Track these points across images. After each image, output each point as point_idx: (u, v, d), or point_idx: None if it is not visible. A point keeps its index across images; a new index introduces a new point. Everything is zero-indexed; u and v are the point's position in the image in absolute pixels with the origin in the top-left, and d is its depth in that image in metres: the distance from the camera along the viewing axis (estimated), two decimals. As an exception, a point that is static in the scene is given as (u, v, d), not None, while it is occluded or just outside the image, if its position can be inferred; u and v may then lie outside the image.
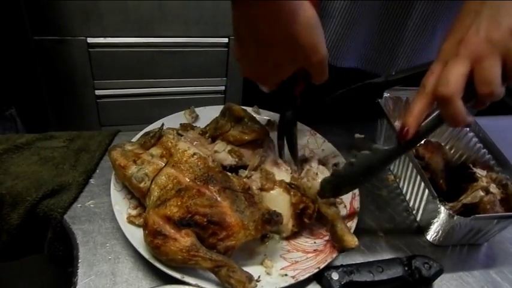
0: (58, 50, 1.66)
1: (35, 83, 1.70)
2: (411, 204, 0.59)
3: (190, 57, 1.82)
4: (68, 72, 1.73)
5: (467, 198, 0.50)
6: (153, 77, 1.83)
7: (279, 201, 0.50)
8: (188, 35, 1.74)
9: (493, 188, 0.52)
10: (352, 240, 0.47)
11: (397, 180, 0.63)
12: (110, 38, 1.68)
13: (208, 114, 0.64)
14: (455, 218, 0.49)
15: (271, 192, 0.51)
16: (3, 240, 0.53)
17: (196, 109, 0.65)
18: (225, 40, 1.82)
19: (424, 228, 0.56)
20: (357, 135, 0.71)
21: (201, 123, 0.62)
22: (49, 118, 1.80)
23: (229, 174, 0.51)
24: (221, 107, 0.62)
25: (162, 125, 0.55)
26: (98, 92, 1.80)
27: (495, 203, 0.50)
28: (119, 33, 1.68)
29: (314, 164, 0.55)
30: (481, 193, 0.50)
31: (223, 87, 1.96)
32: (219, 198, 0.47)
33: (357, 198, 0.55)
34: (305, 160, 0.56)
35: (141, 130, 0.59)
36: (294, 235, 0.51)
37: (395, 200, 0.61)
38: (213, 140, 0.57)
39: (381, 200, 0.60)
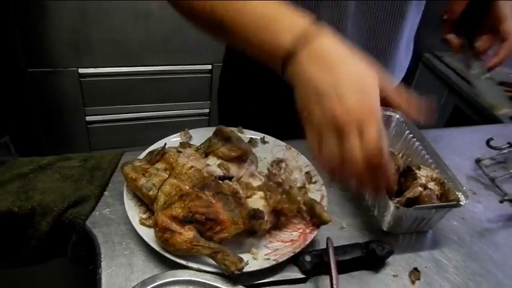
0: (50, 81, 1.77)
1: (28, 111, 1.79)
2: (370, 201, 0.72)
3: (176, 83, 1.95)
4: (59, 100, 1.84)
5: (409, 194, 0.64)
6: (141, 103, 1.94)
7: (258, 202, 0.62)
8: (174, 63, 1.87)
9: (432, 185, 0.66)
10: (328, 216, 0.62)
11: (359, 183, 0.76)
12: (100, 68, 1.80)
13: (199, 134, 0.76)
14: (400, 209, 0.62)
15: (254, 196, 0.63)
16: (33, 245, 0.63)
17: (190, 130, 0.78)
18: (209, 67, 1.95)
19: (380, 220, 0.68)
20: (326, 148, 0.84)
21: (194, 142, 0.75)
22: (41, 144, 1.89)
23: (220, 182, 0.63)
24: (210, 129, 0.75)
25: (165, 144, 0.67)
26: (88, 118, 1.91)
27: (432, 196, 0.64)
28: (109, 64, 1.80)
29: (289, 163, 0.68)
30: (420, 189, 0.63)
31: (207, 110, 2.09)
32: (213, 201, 0.59)
33: (325, 198, 0.68)
34: (281, 160, 0.68)
35: (132, 151, 0.71)
36: (274, 229, 0.63)
37: (358, 199, 0.74)
38: (206, 155, 0.69)
39: (345, 199, 0.73)
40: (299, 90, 0.49)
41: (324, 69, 0.46)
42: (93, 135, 1.94)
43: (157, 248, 0.56)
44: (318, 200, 0.67)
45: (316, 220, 0.63)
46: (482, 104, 1.80)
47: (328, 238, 0.60)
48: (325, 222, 0.62)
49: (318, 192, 0.70)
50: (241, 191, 0.63)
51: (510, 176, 0.84)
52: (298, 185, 0.68)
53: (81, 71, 1.77)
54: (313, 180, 0.72)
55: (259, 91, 0.89)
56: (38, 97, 1.79)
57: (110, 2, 1.64)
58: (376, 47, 0.79)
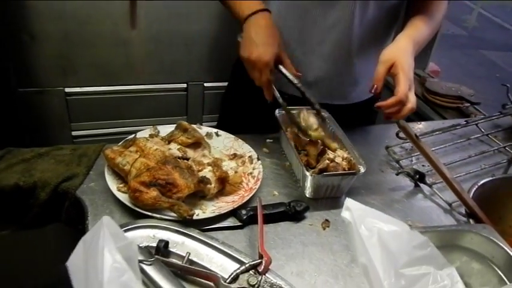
0: (39, 99, 1.94)
1: (18, 128, 1.95)
2: (297, 177, 0.93)
3: (154, 101, 2.13)
4: (47, 117, 2.00)
5: (320, 165, 0.85)
6: (123, 118, 2.12)
7: (207, 174, 0.82)
8: (152, 82, 2.06)
9: (339, 160, 0.88)
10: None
11: (291, 165, 0.97)
12: (84, 88, 1.98)
13: (165, 129, 0.97)
14: (314, 177, 0.84)
15: (204, 170, 0.84)
16: (34, 211, 0.82)
17: (158, 126, 0.98)
18: (184, 85, 2.15)
19: (303, 188, 0.89)
20: (268, 140, 1.05)
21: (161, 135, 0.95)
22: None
23: (178, 159, 0.83)
24: (174, 126, 0.96)
25: (135, 134, 0.88)
26: (74, 133, 2.07)
27: (337, 167, 0.85)
28: (93, 83, 1.98)
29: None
30: (327, 161, 0.85)
31: (183, 124, 2.25)
32: (172, 171, 0.79)
33: (261, 173, 0.89)
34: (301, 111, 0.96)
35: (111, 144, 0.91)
36: (220, 194, 0.84)
37: (289, 176, 0.95)
38: (169, 142, 0.90)
39: (280, 176, 0.94)
40: (243, 37, 0.91)
41: (253, 32, 0.89)
42: (77, 149, 2.09)
43: (130, 205, 0.76)
44: (256, 174, 0.88)
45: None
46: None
47: (258, 197, 0.80)
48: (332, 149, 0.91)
49: (256, 169, 0.90)
50: (194, 166, 0.83)
51: (415, 158, 1.07)
52: (315, 126, 0.93)
53: (68, 90, 1.94)
54: (254, 162, 0.93)
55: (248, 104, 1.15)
56: (28, 114, 1.95)
57: (93, 30, 1.84)
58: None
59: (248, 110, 1.15)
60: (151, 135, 0.92)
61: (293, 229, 0.81)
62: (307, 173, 0.84)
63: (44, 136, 2.04)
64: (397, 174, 0.98)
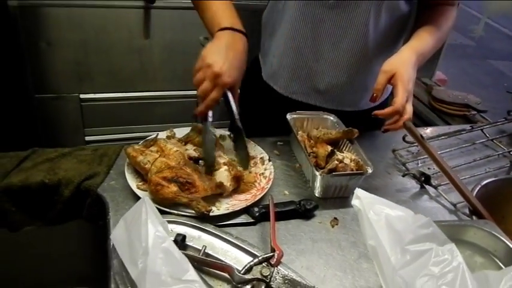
0: (55, 105, 2.00)
1: (34, 131, 2.01)
2: (307, 178, 0.97)
3: (166, 107, 2.19)
4: (62, 122, 2.06)
5: (329, 166, 0.89)
6: (135, 124, 2.18)
7: (223, 173, 0.87)
8: (164, 89, 2.12)
9: (347, 161, 0.91)
10: None
11: (301, 167, 1.01)
12: (99, 94, 2.04)
13: (180, 132, 1.02)
14: (323, 176, 0.87)
15: (220, 169, 0.88)
16: (58, 208, 0.87)
17: (174, 129, 1.03)
18: (195, 92, 2.19)
19: (312, 188, 0.93)
20: (279, 143, 1.09)
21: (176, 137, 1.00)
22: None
23: (196, 164, 0.88)
24: (188, 128, 1.00)
25: (157, 134, 0.93)
26: (87, 138, 2.13)
27: (346, 168, 0.89)
28: (107, 90, 2.04)
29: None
30: (336, 162, 0.89)
31: (194, 130, 2.30)
32: (192, 173, 0.83)
33: (273, 173, 0.93)
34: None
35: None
36: (234, 192, 0.88)
37: (298, 177, 0.98)
38: (186, 143, 0.95)
39: (290, 177, 0.98)
40: (214, 44, 0.89)
41: (227, 48, 0.88)
42: (91, 153, 2.15)
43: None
44: (267, 175, 0.93)
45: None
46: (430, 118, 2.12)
47: (270, 195, 0.84)
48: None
49: (268, 170, 0.95)
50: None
51: (421, 161, 1.10)
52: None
53: (82, 96, 2.00)
54: (265, 163, 0.97)
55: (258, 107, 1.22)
56: (44, 119, 2.01)
57: (108, 37, 1.91)
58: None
59: (258, 116, 1.19)
60: (168, 137, 0.97)
61: (303, 226, 0.84)
62: (317, 173, 0.88)
63: (58, 141, 2.10)
64: (403, 176, 1.01)
